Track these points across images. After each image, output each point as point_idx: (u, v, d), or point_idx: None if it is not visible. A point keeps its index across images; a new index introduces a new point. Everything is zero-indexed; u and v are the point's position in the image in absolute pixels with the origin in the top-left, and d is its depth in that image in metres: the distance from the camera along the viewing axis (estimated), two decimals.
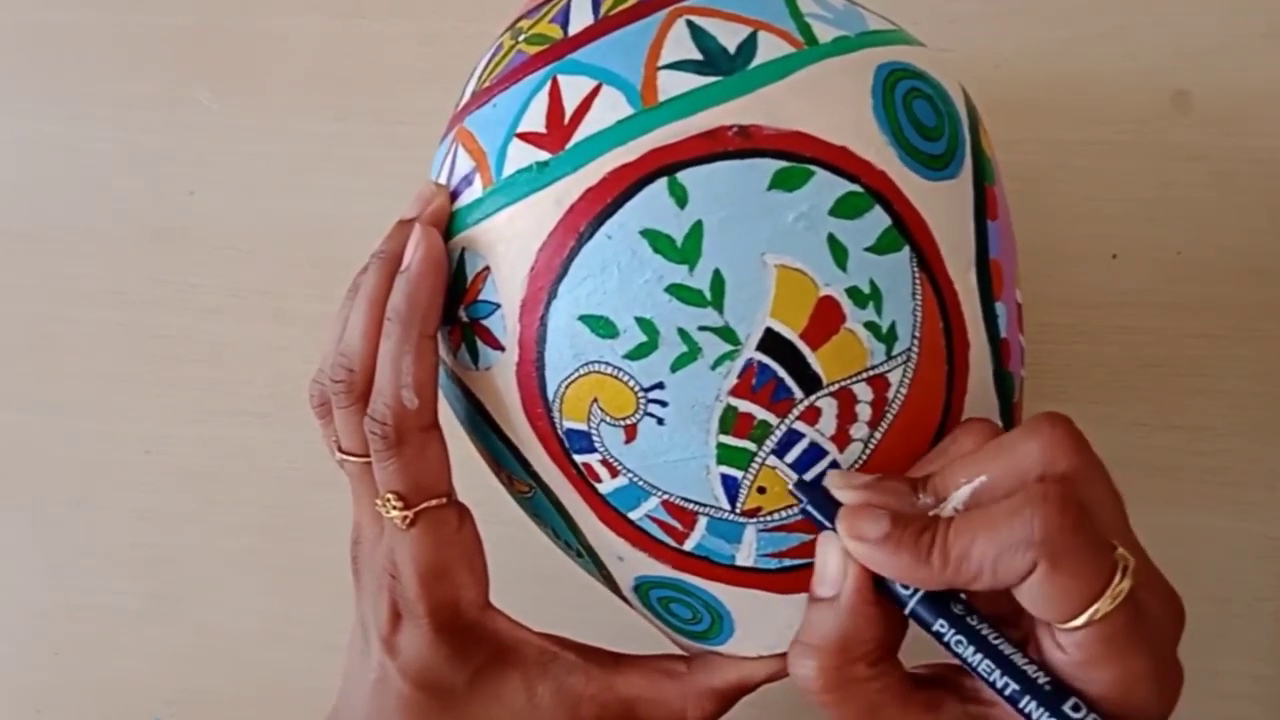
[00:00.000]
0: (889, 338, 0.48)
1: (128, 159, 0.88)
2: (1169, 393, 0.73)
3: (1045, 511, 0.43)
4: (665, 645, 0.59)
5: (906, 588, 0.47)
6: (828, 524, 0.48)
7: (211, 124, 0.87)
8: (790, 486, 0.49)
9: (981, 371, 0.52)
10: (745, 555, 0.51)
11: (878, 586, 0.47)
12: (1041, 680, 0.45)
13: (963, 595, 0.47)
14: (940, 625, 0.47)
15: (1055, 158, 0.75)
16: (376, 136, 0.84)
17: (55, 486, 0.88)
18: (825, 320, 0.47)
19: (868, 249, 0.47)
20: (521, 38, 0.53)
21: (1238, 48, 0.73)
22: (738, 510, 0.49)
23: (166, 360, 0.86)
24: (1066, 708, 0.44)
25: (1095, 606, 0.43)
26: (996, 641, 0.46)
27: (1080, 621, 0.44)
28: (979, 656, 0.46)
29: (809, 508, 0.48)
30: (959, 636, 0.46)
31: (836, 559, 0.47)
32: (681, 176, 0.46)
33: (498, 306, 0.49)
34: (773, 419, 0.47)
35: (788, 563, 0.51)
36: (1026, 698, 0.45)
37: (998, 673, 0.46)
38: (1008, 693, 0.45)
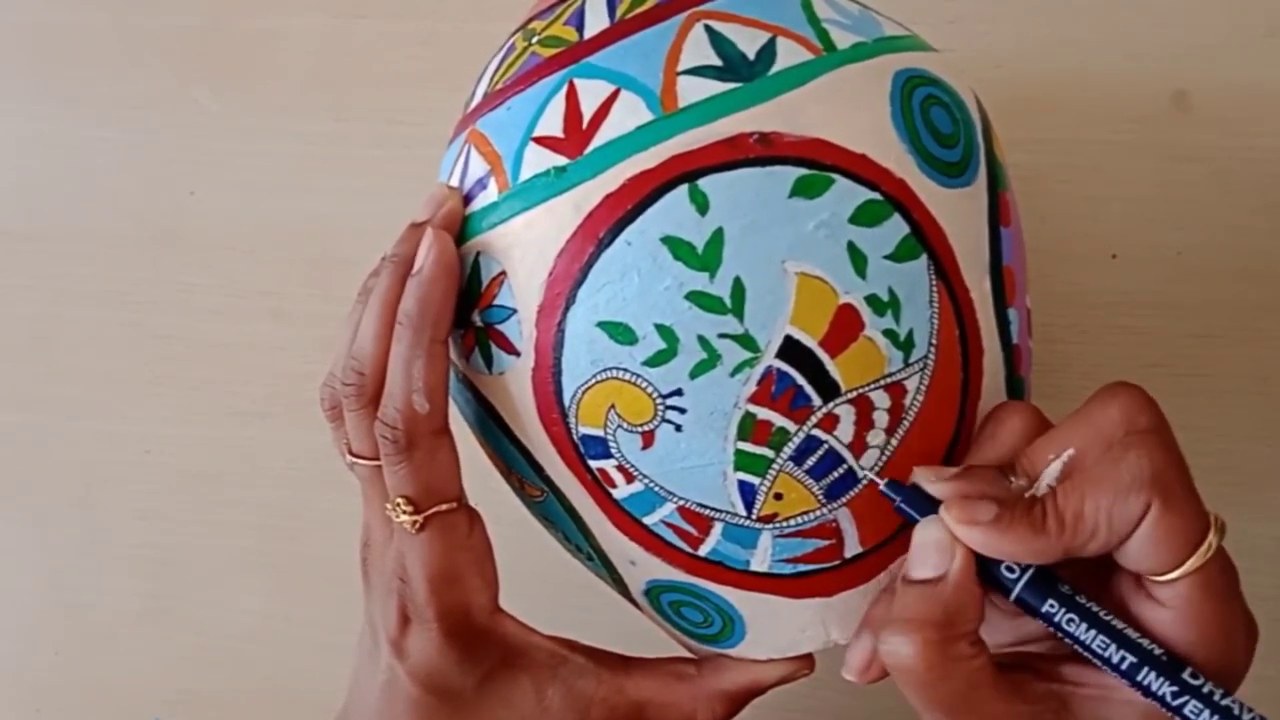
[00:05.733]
0: (907, 345, 0.48)
1: (128, 159, 0.88)
2: (1169, 393, 0.72)
3: (1150, 450, 0.45)
4: (673, 647, 0.59)
5: (1012, 571, 0.47)
6: (918, 519, 0.48)
7: (211, 124, 0.87)
8: (882, 488, 0.49)
9: (995, 378, 0.52)
10: (760, 561, 0.51)
11: (982, 575, 0.48)
12: (1158, 651, 0.46)
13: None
14: (1050, 606, 0.47)
15: (1055, 158, 0.75)
16: (376, 136, 0.84)
17: (55, 486, 0.88)
18: (844, 328, 0.47)
19: (886, 257, 0.47)
20: (535, 40, 0.52)
21: (1238, 48, 0.73)
22: (754, 516, 0.49)
23: (167, 360, 0.87)
24: (1185, 675, 0.45)
25: (1194, 557, 0.45)
26: (1108, 617, 0.47)
27: (1185, 569, 0.45)
28: (1092, 633, 0.46)
29: (903, 506, 0.49)
30: (1070, 615, 0.47)
31: (941, 541, 0.47)
32: (702, 183, 0.46)
33: (514, 311, 0.49)
34: (791, 426, 0.47)
35: (803, 568, 0.51)
36: (1145, 669, 0.45)
37: (1113, 647, 0.46)
38: (1124, 666, 0.46)
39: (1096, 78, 0.75)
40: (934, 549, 0.48)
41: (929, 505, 0.48)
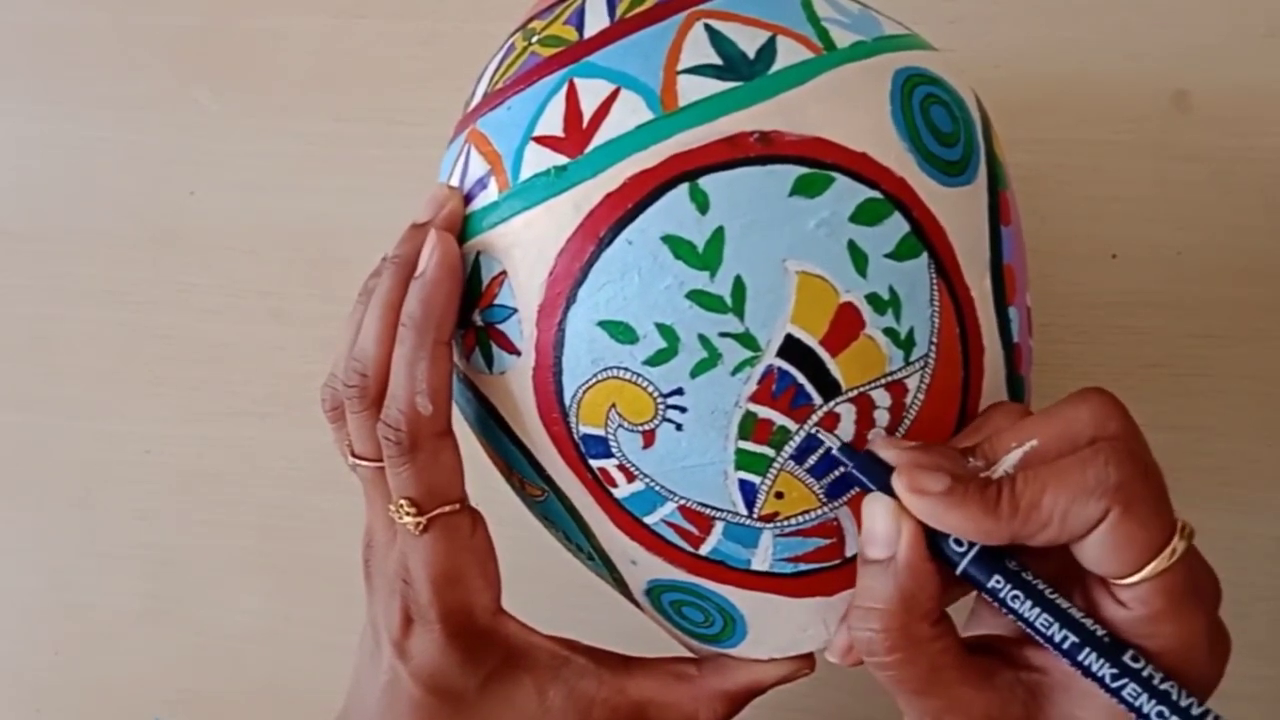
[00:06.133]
0: (907, 344, 0.48)
1: (128, 159, 0.88)
2: (1169, 393, 0.73)
3: (1119, 459, 0.44)
4: (674, 647, 0.59)
5: (960, 545, 0.47)
6: (872, 487, 0.48)
7: (211, 124, 0.87)
8: (835, 450, 0.48)
9: (995, 376, 0.52)
10: (761, 560, 0.51)
11: (929, 550, 0.47)
12: (1100, 633, 0.45)
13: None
14: (995, 581, 0.47)
15: (1055, 158, 0.75)
16: (376, 136, 0.84)
17: (55, 486, 0.88)
18: (845, 327, 0.47)
19: (887, 255, 0.47)
20: (535, 39, 0.52)
21: (1238, 48, 0.73)
22: (755, 515, 0.49)
23: (166, 360, 0.87)
24: (1126, 658, 0.45)
25: (1155, 563, 0.44)
26: (1053, 596, 0.46)
27: (1143, 575, 0.44)
28: (1036, 611, 0.46)
29: (854, 471, 0.48)
30: (1015, 592, 0.46)
31: (887, 519, 0.47)
32: (703, 182, 0.46)
33: (514, 311, 0.49)
34: (792, 425, 0.47)
35: (803, 567, 0.51)
36: (1086, 650, 0.45)
37: (1056, 626, 0.46)
38: (1066, 646, 0.46)
39: (1096, 78, 0.75)
40: (880, 523, 0.47)
41: (884, 477, 0.47)
